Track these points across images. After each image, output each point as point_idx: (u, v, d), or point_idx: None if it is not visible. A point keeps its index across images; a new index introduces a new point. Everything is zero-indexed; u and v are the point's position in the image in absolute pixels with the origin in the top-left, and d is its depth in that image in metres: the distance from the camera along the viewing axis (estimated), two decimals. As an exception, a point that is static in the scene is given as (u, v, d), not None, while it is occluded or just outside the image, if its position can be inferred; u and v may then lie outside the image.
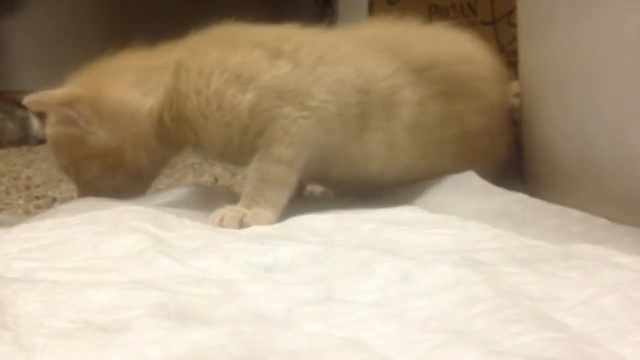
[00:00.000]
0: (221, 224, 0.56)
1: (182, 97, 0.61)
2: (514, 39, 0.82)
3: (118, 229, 0.49)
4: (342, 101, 0.62)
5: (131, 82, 0.63)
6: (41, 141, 1.76)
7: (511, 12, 0.92)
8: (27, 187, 0.90)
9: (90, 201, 0.62)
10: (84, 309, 0.35)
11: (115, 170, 0.64)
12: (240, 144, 0.61)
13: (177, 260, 0.44)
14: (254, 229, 0.55)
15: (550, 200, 0.62)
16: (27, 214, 0.72)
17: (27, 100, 0.61)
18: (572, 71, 0.63)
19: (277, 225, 0.57)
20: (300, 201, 0.62)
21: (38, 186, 0.91)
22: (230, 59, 0.61)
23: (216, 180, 0.93)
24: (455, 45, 0.72)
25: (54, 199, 0.80)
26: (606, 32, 0.57)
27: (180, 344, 0.31)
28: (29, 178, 0.99)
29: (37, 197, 0.81)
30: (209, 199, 0.65)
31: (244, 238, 0.51)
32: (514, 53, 0.80)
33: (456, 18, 1.09)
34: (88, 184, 0.65)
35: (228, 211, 0.57)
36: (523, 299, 0.37)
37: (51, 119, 0.65)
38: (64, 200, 0.78)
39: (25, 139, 1.73)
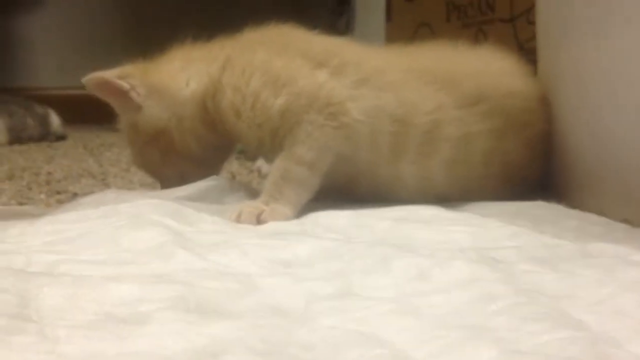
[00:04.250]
0: (239, 219, 0.57)
1: (221, 90, 0.64)
2: (533, 37, 0.81)
3: (138, 223, 0.50)
4: (376, 127, 0.62)
5: (177, 68, 0.67)
6: (60, 137, 1.78)
7: (530, 10, 0.91)
8: (48, 182, 0.91)
9: (111, 194, 0.63)
10: (105, 302, 0.36)
11: (171, 156, 0.67)
12: (271, 146, 0.63)
13: (197, 255, 0.44)
14: (272, 225, 0.55)
15: (571, 205, 0.62)
16: (49, 208, 0.73)
17: (85, 79, 0.65)
18: (594, 72, 0.62)
19: (295, 222, 0.57)
20: (317, 198, 0.63)
21: (59, 181, 0.92)
22: (273, 63, 0.62)
23: (233, 176, 0.94)
24: (503, 78, 0.70)
25: (75, 194, 0.81)
26: (630, 30, 0.56)
27: (200, 337, 0.32)
28: (49, 173, 1.00)
29: (58, 192, 0.82)
30: (228, 193, 0.66)
31: (261, 234, 0.51)
32: (533, 51, 0.80)
33: (474, 16, 1.08)
34: (158, 174, 0.70)
35: (246, 207, 0.58)
36: (541, 297, 0.37)
37: (120, 119, 0.69)
38: (85, 195, 0.80)
39: (45, 136, 1.75)
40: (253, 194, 0.65)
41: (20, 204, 0.75)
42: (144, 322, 0.33)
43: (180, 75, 0.66)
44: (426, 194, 0.64)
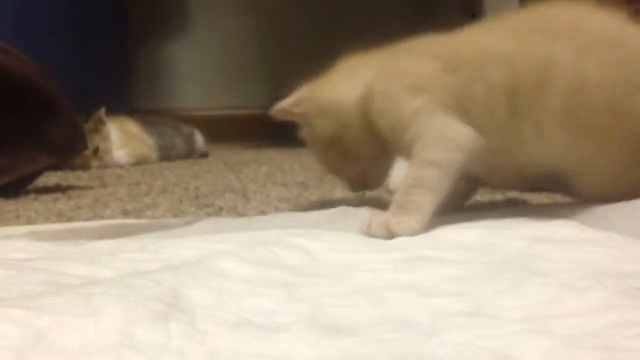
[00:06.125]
0: (369, 231, 0.58)
1: (372, 96, 0.69)
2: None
3: (275, 243, 0.53)
4: (493, 107, 0.63)
5: (342, 80, 0.73)
6: (203, 155, 1.93)
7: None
8: (197, 197, 0.98)
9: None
10: (246, 310, 0.39)
11: (348, 158, 0.73)
12: (405, 149, 0.66)
13: (327, 277, 0.46)
14: (400, 243, 0.56)
15: None
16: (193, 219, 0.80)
17: (273, 110, 0.74)
18: None
19: (424, 237, 0.57)
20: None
21: (206, 196, 0.99)
22: (410, 68, 0.67)
23: (363, 192, 0.97)
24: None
25: (221, 208, 0.87)
26: None
27: (331, 348, 0.33)
28: (197, 188, 1.08)
29: (205, 206, 0.89)
30: (352, 216, 0.68)
31: (390, 252, 0.52)
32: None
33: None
34: (340, 175, 0.77)
35: (375, 218, 0.60)
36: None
37: (301, 131, 0.77)
38: (230, 209, 0.87)
39: (190, 153, 1.90)
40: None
41: (174, 216, 0.83)
42: (279, 330, 0.36)
43: (344, 86, 0.72)
44: (546, 157, 0.63)
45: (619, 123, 0.62)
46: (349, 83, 0.72)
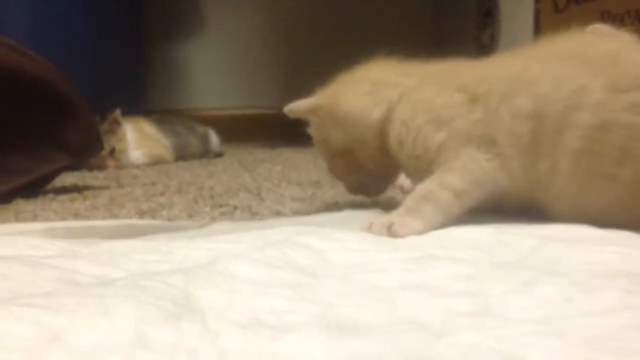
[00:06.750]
0: (370, 229, 0.59)
1: (392, 121, 0.69)
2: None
3: (285, 243, 0.53)
4: (518, 139, 0.61)
5: (365, 91, 0.72)
6: (218, 154, 1.94)
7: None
8: (212, 197, 0.99)
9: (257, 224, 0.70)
10: (257, 309, 0.39)
11: (354, 168, 0.74)
12: (426, 174, 0.65)
13: (337, 278, 0.46)
14: (411, 243, 0.56)
15: None
16: (213, 219, 0.81)
17: (286, 109, 0.74)
18: None
19: (435, 237, 0.58)
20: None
21: (220, 195, 1.00)
22: (435, 101, 0.66)
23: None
24: None
25: (235, 207, 0.87)
26: None
27: (341, 350, 0.34)
28: (211, 188, 1.08)
29: (220, 206, 0.89)
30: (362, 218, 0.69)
31: (401, 252, 0.52)
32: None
33: (631, 25, 1.02)
34: (343, 180, 0.78)
35: (375, 219, 0.60)
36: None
37: (312, 134, 0.77)
38: (244, 208, 0.87)
39: (205, 153, 1.91)
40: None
41: (190, 215, 0.83)
42: (290, 330, 0.36)
43: (365, 102, 0.71)
44: (551, 186, 0.60)
45: (632, 167, 0.58)
46: (370, 100, 0.71)
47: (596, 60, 0.60)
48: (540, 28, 1.30)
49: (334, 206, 0.87)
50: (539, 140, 0.60)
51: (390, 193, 0.94)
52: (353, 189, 0.78)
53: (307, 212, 0.82)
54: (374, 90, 0.71)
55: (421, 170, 0.66)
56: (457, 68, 0.69)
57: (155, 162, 1.72)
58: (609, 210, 0.59)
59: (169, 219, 0.81)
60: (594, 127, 0.58)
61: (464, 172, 0.62)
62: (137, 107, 1.93)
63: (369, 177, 0.75)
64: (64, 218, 0.83)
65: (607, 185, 0.59)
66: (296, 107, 0.74)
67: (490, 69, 0.66)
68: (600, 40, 0.64)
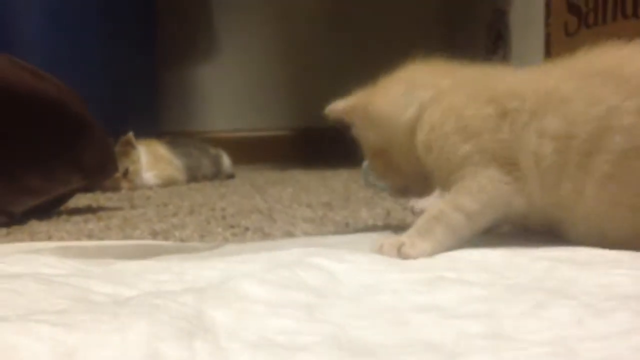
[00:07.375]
0: (381, 250, 0.59)
1: (422, 124, 0.67)
2: None
3: (297, 264, 0.53)
4: (541, 160, 0.60)
5: (400, 92, 0.71)
6: (230, 176, 1.95)
7: None
8: (224, 217, 0.99)
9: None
10: (268, 329, 0.39)
11: (392, 170, 0.74)
12: (445, 186, 0.65)
13: (348, 298, 0.46)
14: (422, 264, 0.56)
15: None
16: (225, 240, 0.81)
17: (327, 109, 0.75)
18: None
19: (445, 258, 0.58)
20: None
21: (232, 216, 1.00)
22: (466, 111, 0.64)
23: (388, 213, 0.97)
24: None
25: (247, 229, 0.88)
26: None
27: None
28: (223, 209, 1.09)
29: (232, 226, 0.90)
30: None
31: (411, 273, 0.52)
32: None
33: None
34: (385, 181, 0.79)
35: (386, 240, 0.60)
36: None
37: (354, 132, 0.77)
38: (256, 229, 0.88)
39: (217, 174, 1.92)
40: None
41: (202, 236, 0.84)
42: (301, 350, 0.36)
43: (400, 101, 0.70)
44: (574, 208, 0.59)
45: None
46: (403, 100, 0.70)
47: (633, 79, 0.57)
48: (550, 51, 1.31)
49: (345, 227, 0.87)
50: (565, 161, 0.59)
51: (401, 215, 0.94)
52: (396, 191, 0.78)
53: (318, 233, 0.83)
54: (408, 91, 0.70)
55: (441, 179, 0.66)
56: (491, 76, 0.67)
57: (168, 183, 1.74)
58: (629, 240, 0.57)
59: (182, 240, 0.82)
60: (623, 152, 0.56)
61: (479, 193, 0.61)
62: (150, 129, 1.95)
63: (408, 178, 0.74)
64: (77, 239, 0.84)
65: (628, 216, 0.57)
66: (334, 107, 0.75)
67: (523, 83, 0.64)
68: (638, 57, 0.61)
